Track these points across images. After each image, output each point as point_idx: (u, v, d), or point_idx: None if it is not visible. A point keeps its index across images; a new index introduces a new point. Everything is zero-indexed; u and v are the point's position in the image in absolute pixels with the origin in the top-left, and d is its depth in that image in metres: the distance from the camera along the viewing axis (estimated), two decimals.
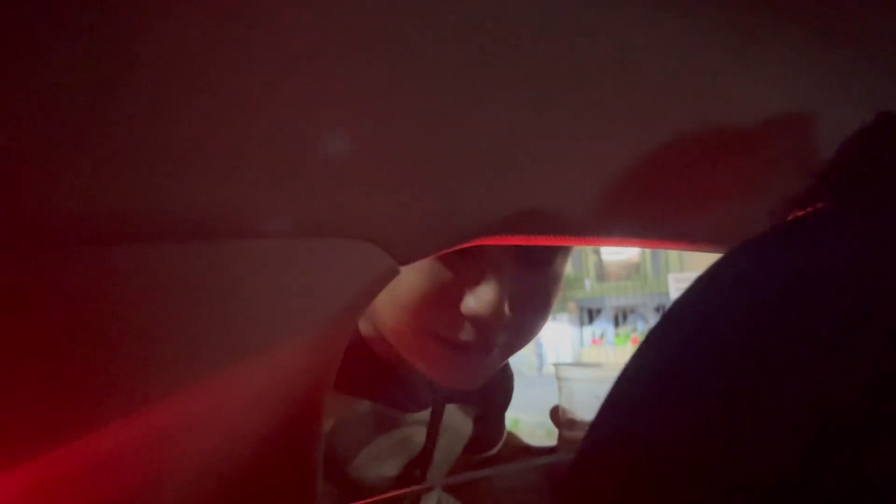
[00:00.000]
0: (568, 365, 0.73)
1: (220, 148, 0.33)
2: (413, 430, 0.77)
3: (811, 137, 0.47)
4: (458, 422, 0.84)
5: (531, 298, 0.66)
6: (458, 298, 0.61)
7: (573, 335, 14.93)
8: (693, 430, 0.19)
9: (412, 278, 0.60)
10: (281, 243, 0.37)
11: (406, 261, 0.42)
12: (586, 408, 0.72)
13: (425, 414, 0.78)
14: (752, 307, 0.20)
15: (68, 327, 0.31)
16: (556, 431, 0.77)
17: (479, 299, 0.60)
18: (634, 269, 14.73)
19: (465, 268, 0.61)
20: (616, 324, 14.99)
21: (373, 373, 0.67)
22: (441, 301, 0.61)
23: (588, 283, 14.69)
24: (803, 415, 0.16)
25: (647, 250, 13.63)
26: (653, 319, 12.71)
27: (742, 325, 0.20)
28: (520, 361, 14.29)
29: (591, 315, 15.37)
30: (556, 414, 0.75)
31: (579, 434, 0.72)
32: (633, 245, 0.53)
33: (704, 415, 0.19)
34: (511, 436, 1.00)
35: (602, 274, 14.97)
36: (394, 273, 0.42)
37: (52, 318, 0.31)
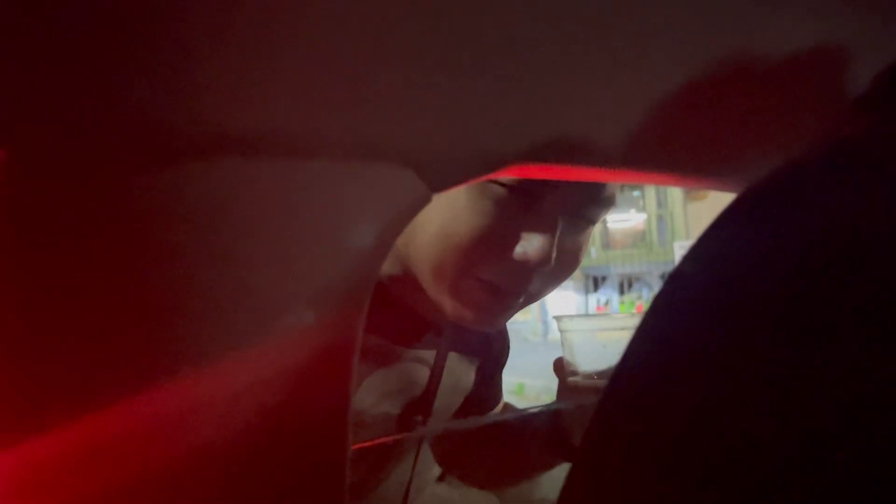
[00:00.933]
0: (570, 316, 0.74)
1: (270, 67, 0.34)
2: (413, 366, 0.78)
3: (838, 73, 0.46)
4: (459, 370, 0.86)
5: (569, 253, 0.68)
6: (511, 245, 0.63)
7: (578, 302, 15.06)
8: (700, 402, 0.19)
9: (471, 220, 0.63)
10: (320, 164, 0.38)
11: (439, 187, 0.43)
12: (588, 357, 0.73)
13: (426, 353, 0.79)
14: (761, 273, 0.19)
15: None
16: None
17: (534, 247, 0.63)
18: (640, 237, 14.70)
19: (523, 216, 0.63)
20: (621, 291, 15.13)
21: (379, 309, 0.65)
22: (495, 245, 0.63)
23: (594, 251, 14.57)
24: (821, 390, 0.16)
25: (654, 218, 13.58)
26: (657, 287, 12.69)
27: (751, 291, 0.19)
28: (525, 328, 14.33)
29: (596, 283, 15.51)
30: (559, 365, 0.78)
31: (581, 380, 0.73)
32: (657, 180, 0.53)
33: (710, 388, 0.18)
34: (508, 405, 1.03)
35: (607, 242, 14.99)
36: (427, 200, 0.44)
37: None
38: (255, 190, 0.36)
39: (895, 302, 0.15)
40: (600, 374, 0.72)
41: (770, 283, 0.19)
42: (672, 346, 0.21)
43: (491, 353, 0.92)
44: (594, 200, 0.67)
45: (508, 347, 0.96)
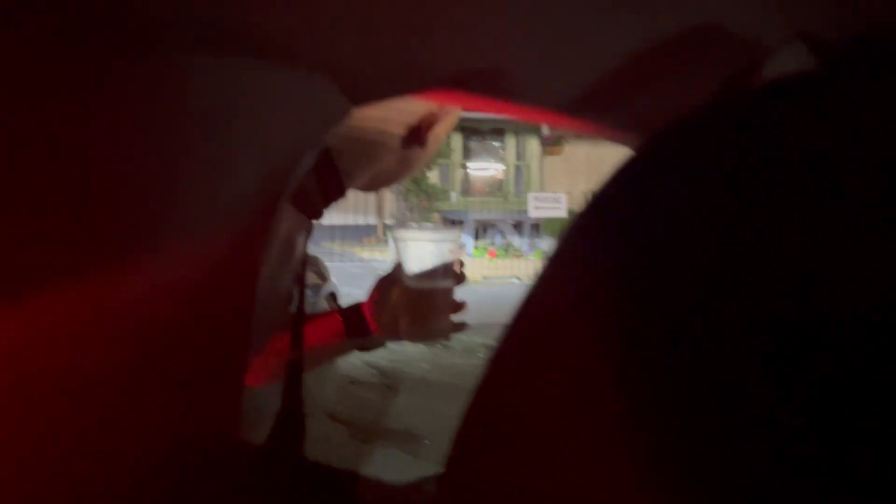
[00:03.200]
0: (404, 226, 0.91)
1: None
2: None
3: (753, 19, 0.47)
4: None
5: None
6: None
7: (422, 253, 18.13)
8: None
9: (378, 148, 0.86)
10: (251, 68, 0.39)
11: (359, 101, 0.45)
12: (420, 261, 0.92)
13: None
14: (691, 192, 0.19)
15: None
16: None
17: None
18: (497, 186, 16.99)
19: None
20: (476, 236, 16.49)
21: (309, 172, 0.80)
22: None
23: (453, 196, 16.28)
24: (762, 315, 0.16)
25: (512, 169, 18.14)
26: (510, 234, 17.23)
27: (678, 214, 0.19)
28: (382, 266, 16.65)
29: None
30: (398, 269, 0.97)
31: (413, 281, 0.93)
32: (564, 123, 0.60)
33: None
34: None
35: (467, 188, 16.82)
36: (346, 111, 0.45)
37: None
38: (195, 86, 0.37)
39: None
40: (426, 275, 0.92)
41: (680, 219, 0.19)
42: (600, 266, 0.20)
43: None
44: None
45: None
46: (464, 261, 1.00)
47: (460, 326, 0.99)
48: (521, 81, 0.50)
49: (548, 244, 15.33)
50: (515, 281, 13.37)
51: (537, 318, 0.23)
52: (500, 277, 13.55)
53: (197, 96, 0.38)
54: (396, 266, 0.98)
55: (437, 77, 0.45)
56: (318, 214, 0.89)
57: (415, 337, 0.97)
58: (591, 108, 0.58)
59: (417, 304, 0.95)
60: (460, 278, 0.98)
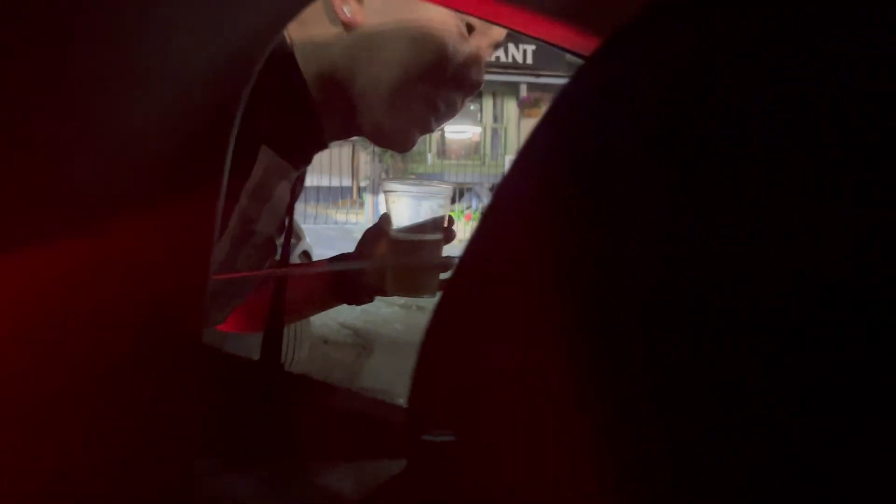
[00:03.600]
0: (394, 181, 0.92)
1: None
2: (286, 191, 0.91)
3: None
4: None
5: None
6: (460, 72, 0.87)
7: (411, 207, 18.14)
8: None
9: (439, 49, 0.83)
10: None
11: None
12: (407, 214, 0.93)
13: (294, 174, 0.92)
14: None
15: None
16: None
17: (478, 75, 0.88)
18: (474, 149, 16.80)
19: (468, 53, 0.86)
20: (452, 200, 18.21)
21: (293, 111, 0.83)
22: (452, 71, 0.85)
23: (430, 158, 16.11)
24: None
25: (489, 132, 18.08)
26: (487, 198, 17.14)
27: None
28: (357, 229, 16.76)
29: None
30: (385, 218, 0.98)
31: (399, 233, 0.94)
32: (555, 33, 0.60)
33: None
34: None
35: (443, 150, 16.73)
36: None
37: None
38: None
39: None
40: (414, 229, 0.93)
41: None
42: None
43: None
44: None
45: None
46: (453, 218, 1.00)
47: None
48: None
49: None
50: None
51: (492, 241, 0.23)
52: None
53: None
54: (383, 217, 0.98)
55: None
56: (301, 160, 0.87)
57: (400, 291, 0.97)
58: (583, 14, 0.54)
59: (403, 257, 0.95)
60: (449, 235, 0.98)
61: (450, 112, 0.92)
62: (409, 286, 0.96)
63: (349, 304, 1.05)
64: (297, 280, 1.00)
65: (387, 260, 0.97)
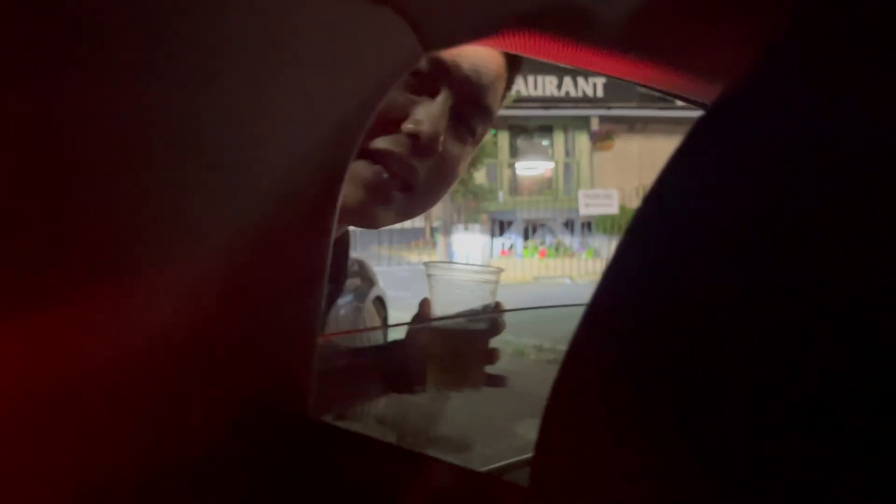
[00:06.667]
0: (437, 263, 0.84)
1: None
2: None
3: None
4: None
5: (449, 160, 0.80)
6: (403, 120, 0.73)
7: (484, 246, 16.01)
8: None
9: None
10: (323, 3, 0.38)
11: (432, 45, 0.43)
12: (449, 300, 0.85)
13: None
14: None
15: None
16: None
17: (426, 118, 0.72)
18: (546, 184, 17.11)
19: (418, 98, 0.74)
20: (525, 236, 16.37)
21: None
22: (389, 116, 0.72)
23: (501, 195, 16.30)
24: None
25: (560, 166, 17.87)
26: (561, 233, 16.91)
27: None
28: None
29: (502, 227, 16.64)
30: (424, 304, 0.90)
31: (443, 324, 0.86)
32: (639, 72, 0.58)
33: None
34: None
35: (515, 187, 16.94)
36: (417, 58, 0.43)
37: None
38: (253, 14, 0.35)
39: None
40: (456, 316, 0.85)
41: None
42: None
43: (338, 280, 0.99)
44: (477, 107, 0.77)
45: (345, 277, 1.03)
46: (502, 304, 0.91)
47: (496, 381, 0.90)
48: (590, 15, 0.47)
49: (599, 242, 15.23)
50: (567, 281, 13.26)
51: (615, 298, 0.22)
52: (550, 277, 13.47)
53: (237, 29, 0.34)
54: (423, 303, 0.91)
55: (513, 17, 0.43)
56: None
57: (441, 385, 0.90)
58: (656, 48, 0.54)
59: (445, 348, 0.88)
60: (498, 325, 0.90)
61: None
62: (450, 380, 0.89)
63: (397, 392, 0.97)
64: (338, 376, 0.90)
65: (428, 352, 0.89)
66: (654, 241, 0.21)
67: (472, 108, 0.76)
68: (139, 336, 0.36)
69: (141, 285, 0.35)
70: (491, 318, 0.90)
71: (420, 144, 0.72)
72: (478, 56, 0.75)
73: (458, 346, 0.88)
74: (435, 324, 0.88)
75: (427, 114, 0.72)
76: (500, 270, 0.88)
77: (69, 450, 0.36)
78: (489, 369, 0.90)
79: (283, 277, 0.42)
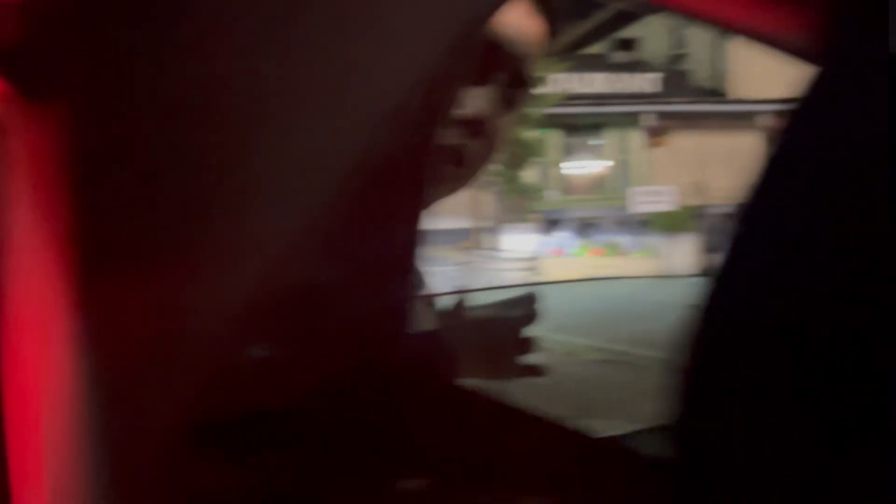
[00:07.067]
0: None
1: None
2: None
3: None
4: None
5: (493, 132, 0.79)
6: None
7: (533, 244, 15.66)
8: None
9: None
10: None
11: None
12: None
13: None
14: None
15: None
16: None
17: (474, 103, 0.72)
18: (599, 182, 16.94)
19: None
20: (577, 235, 15.81)
21: None
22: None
23: (552, 194, 15.96)
24: None
25: (614, 164, 17.42)
26: (614, 232, 16.45)
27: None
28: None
29: (553, 226, 15.99)
30: (461, 296, 0.93)
31: (478, 311, 0.89)
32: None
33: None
34: None
35: (567, 186, 16.74)
36: (496, 6, 0.43)
37: None
38: None
39: None
40: (491, 305, 0.90)
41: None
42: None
43: None
44: (521, 81, 0.78)
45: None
46: (537, 295, 0.91)
47: (532, 371, 0.89)
48: None
49: (654, 241, 14.96)
50: (620, 280, 12.94)
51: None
52: (603, 277, 13.15)
53: None
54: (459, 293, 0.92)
55: None
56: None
57: (474, 374, 0.88)
58: None
59: (479, 337, 0.87)
60: (532, 315, 0.89)
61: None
62: (485, 369, 0.87)
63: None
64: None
65: (462, 341, 0.87)
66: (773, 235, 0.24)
67: (516, 81, 0.77)
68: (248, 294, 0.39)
69: (252, 251, 0.38)
70: (525, 305, 0.89)
71: (472, 130, 0.73)
72: (521, 30, 0.75)
73: (490, 334, 0.87)
74: (468, 311, 0.87)
75: (479, 100, 0.72)
76: (538, 294, 0.90)
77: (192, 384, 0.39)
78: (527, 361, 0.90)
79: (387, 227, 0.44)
